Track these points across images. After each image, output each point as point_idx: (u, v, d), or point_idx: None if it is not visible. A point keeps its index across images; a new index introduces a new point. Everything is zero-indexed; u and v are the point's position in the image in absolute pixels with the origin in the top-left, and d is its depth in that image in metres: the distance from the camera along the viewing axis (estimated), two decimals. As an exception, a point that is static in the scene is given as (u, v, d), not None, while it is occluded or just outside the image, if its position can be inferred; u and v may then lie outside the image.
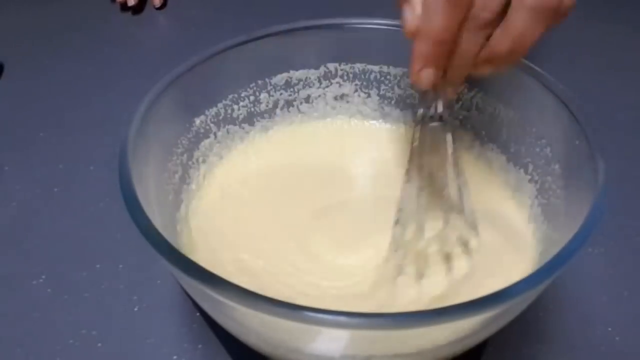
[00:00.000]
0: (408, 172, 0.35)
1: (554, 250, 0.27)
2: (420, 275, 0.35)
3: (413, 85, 0.33)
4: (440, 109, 0.34)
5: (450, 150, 0.35)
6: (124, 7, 0.75)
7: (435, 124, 0.34)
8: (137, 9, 0.75)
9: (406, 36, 0.31)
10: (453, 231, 0.35)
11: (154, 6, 0.75)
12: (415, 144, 0.35)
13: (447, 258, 0.36)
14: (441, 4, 0.28)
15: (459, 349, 0.30)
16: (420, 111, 0.35)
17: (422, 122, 0.35)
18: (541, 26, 0.29)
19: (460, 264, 0.36)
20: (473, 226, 0.35)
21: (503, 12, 0.29)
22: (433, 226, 0.35)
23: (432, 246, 0.35)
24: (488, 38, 0.30)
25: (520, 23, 0.29)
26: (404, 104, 0.47)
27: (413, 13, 0.30)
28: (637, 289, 0.41)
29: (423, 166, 0.35)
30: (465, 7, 0.29)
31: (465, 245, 0.36)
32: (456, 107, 0.44)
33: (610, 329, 0.39)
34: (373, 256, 0.36)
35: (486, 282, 0.33)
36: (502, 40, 0.30)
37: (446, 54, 0.31)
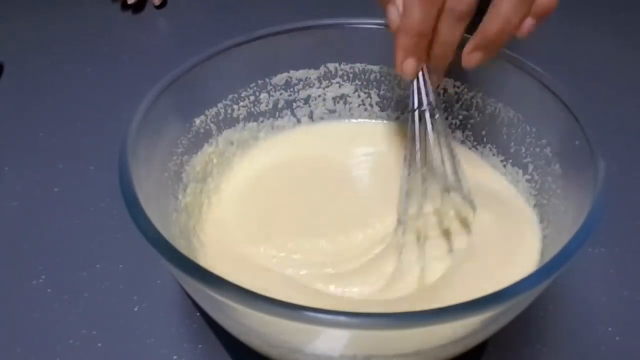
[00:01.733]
0: (406, 157, 0.38)
1: (554, 250, 0.27)
2: (422, 250, 0.37)
3: (399, 76, 0.36)
4: (429, 96, 0.37)
5: (442, 131, 0.37)
6: (124, 5, 0.75)
7: (425, 109, 0.37)
8: (137, 8, 0.75)
9: (392, 32, 0.34)
10: (451, 207, 0.38)
11: (153, 4, 0.75)
12: (410, 132, 0.37)
13: (447, 234, 0.38)
14: (417, 0, 0.32)
15: (459, 349, 0.30)
16: (412, 100, 0.37)
17: (413, 110, 0.37)
18: (526, 6, 0.32)
19: (461, 239, 0.38)
20: (469, 201, 0.37)
21: (477, 3, 0.31)
22: (433, 204, 0.38)
23: (432, 223, 0.38)
24: (465, 29, 0.33)
25: (507, 5, 0.31)
26: (403, 104, 0.47)
27: (397, 11, 0.34)
28: (637, 289, 0.41)
29: (419, 151, 0.37)
30: (439, 1, 0.32)
31: (463, 221, 0.38)
32: (456, 107, 0.44)
33: (610, 329, 0.39)
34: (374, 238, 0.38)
35: (487, 259, 0.35)
36: (491, 24, 0.32)
37: (425, 45, 0.34)
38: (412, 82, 0.36)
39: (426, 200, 0.37)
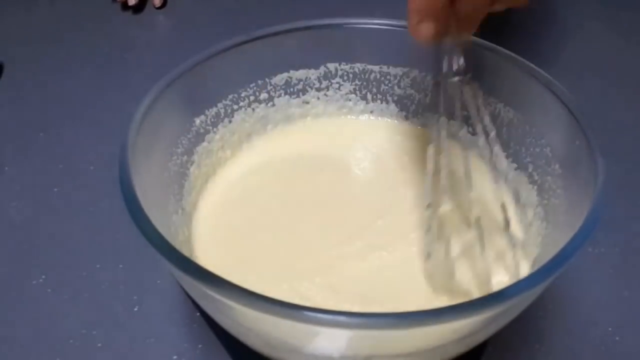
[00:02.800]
0: (434, 153, 0.34)
1: (554, 250, 0.27)
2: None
3: (418, 41, 0.31)
4: (460, 61, 0.32)
5: (479, 102, 0.33)
6: (125, 6, 0.75)
7: (456, 79, 0.33)
8: (138, 9, 0.75)
9: None
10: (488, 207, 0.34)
11: (154, 6, 0.75)
12: (439, 116, 0.33)
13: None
14: None
15: (459, 349, 0.30)
16: (442, 69, 0.33)
17: (444, 81, 0.33)
18: None
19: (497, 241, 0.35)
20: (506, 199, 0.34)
21: None
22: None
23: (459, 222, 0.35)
24: None
25: None
26: (402, 104, 0.47)
27: None
28: (637, 289, 0.41)
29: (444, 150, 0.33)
30: None
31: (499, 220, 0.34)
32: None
33: (610, 329, 0.39)
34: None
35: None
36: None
37: (444, 4, 0.29)
38: (439, 51, 0.32)
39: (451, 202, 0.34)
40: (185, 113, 0.40)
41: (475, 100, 0.33)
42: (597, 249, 0.44)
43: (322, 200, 0.41)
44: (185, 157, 0.40)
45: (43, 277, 0.42)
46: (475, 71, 0.41)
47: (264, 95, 0.45)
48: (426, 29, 0.30)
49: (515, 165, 0.41)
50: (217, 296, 0.25)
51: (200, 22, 0.73)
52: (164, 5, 0.76)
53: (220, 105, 0.43)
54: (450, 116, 0.34)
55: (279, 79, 0.45)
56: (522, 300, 0.26)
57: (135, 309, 0.40)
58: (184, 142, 0.40)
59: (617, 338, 0.38)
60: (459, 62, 0.32)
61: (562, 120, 0.35)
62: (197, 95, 0.40)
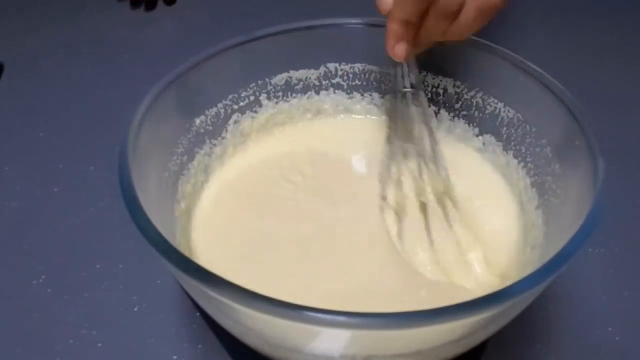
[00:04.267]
0: (389, 137, 0.41)
1: (554, 250, 0.27)
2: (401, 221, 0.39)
3: (389, 58, 0.38)
4: (412, 77, 0.40)
5: (425, 110, 0.41)
6: (134, 3, 0.75)
7: (409, 90, 0.40)
8: (150, 6, 0.75)
9: (381, 13, 0.37)
10: (428, 182, 0.40)
11: (164, 1, 0.75)
12: (395, 112, 0.41)
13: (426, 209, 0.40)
14: None
15: (459, 349, 0.30)
16: (398, 81, 0.40)
17: (397, 92, 0.41)
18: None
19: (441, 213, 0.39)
20: (445, 176, 0.40)
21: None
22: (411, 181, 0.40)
23: (411, 198, 0.40)
24: (451, 22, 0.35)
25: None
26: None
27: None
28: (637, 289, 0.41)
29: (400, 131, 0.41)
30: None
31: (441, 197, 0.40)
32: (457, 106, 0.44)
33: (610, 329, 0.39)
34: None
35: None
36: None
37: (415, 31, 0.36)
38: (398, 65, 0.40)
39: (405, 174, 0.40)
40: (185, 113, 0.40)
41: (422, 109, 0.41)
42: (597, 249, 0.44)
43: (323, 199, 0.41)
44: (185, 157, 0.40)
45: (43, 277, 0.42)
46: (475, 71, 0.41)
47: (263, 95, 0.45)
48: (401, 50, 0.37)
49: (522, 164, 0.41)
50: (217, 296, 0.25)
51: (200, 22, 0.73)
52: (173, 1, 0.76)
53: (220, 105, 0.42)
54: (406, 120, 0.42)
55: (279, 79, 0.45)
56: (522, 300, 0.26)
57: (135, 309, 0.40)
58: (184, 142, 0.40)
59: (617, 338, 0.38)
60: (412, 76, 0.40)
61: (562, 120, 0.35)
62: (197, 95, 0.40)
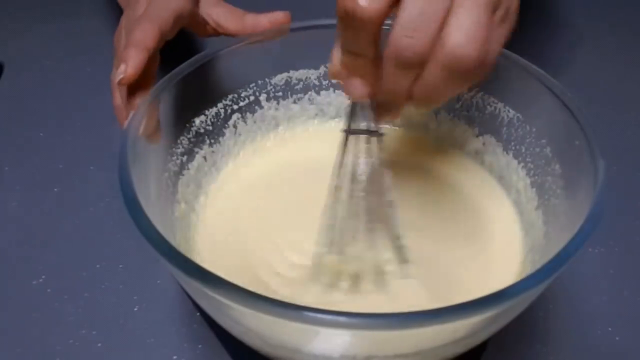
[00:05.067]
0: (338, 177, 0.35)
1: (554, 250, 0.27)
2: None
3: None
4: (371, 124, 0.33)
5: (377, 161, 0.34)
6: None
7: (363, 135, 0.34)
8: None
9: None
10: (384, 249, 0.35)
11: None
12: (340, 156, 0.35)
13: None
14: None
15: (459, 349, 0.30)
16: (348, 120, 0.34)
17: (349, 131, 0.34)
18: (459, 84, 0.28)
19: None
20: (400, 248, 0.35)
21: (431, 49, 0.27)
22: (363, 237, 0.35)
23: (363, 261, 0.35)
24: (416, 77, 0.28)
25: (432, 78, 0.27)
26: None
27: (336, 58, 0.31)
28: (637, 289, 0.41)
29: (351, 175, 0.34)
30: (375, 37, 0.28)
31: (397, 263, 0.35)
32: (457, 106, 0.44)
33: (610, 329, 0.39)
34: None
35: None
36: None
37: (372, 70, 0.30)
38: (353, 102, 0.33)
39: (348, 238, 0.34)
40: (185, 113, 0.40)
41: (378, 152, 0.34)
42: (597, 249, 0.44)
43: (322, 202, 0.41)
44: (185, 157, 0.40)
45: (43, 277, 0.42)
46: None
47: (263, 96, 0.45)
48: (354, 87, 0.31)
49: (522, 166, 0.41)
50: (217, 296, 0.25)
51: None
52: None
53: (220, 105, 0.43)
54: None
55: (279, 79, 0.45)
56: (522, 300, 0.26)
57: (135, 309, 0.40)
58: (184, 142, 0.40)
59: (617, 338, 0.38)
60: (370, 121, 0.33)
61: (562, 120, 0.35)
62: (197, 95, 0.40)
